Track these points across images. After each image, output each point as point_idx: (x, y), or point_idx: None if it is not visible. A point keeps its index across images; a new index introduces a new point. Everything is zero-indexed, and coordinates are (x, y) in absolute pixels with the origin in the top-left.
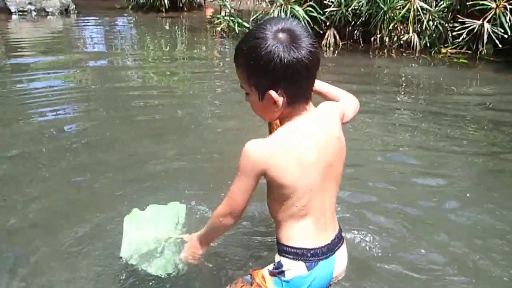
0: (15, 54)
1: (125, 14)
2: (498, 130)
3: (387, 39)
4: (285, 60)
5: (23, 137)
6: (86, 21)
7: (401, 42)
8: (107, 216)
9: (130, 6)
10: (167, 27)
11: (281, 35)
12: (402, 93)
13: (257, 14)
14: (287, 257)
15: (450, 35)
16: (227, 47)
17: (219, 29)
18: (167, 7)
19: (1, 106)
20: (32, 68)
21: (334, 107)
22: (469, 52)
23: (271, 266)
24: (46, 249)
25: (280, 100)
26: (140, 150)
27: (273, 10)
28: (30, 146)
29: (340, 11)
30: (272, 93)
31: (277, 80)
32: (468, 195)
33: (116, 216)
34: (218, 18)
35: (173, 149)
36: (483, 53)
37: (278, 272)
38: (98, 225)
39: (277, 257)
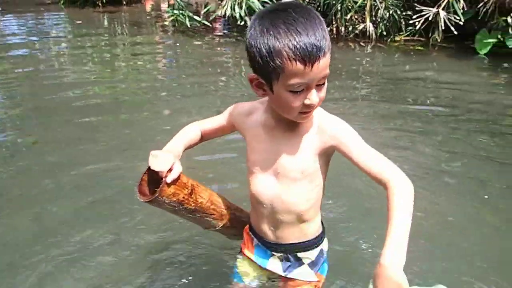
0: None
1: (57, 11)
2: (453, 108)
3: (343, 29)
4: None
5: None
6: (10, 18)
7: (357, 31)
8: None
9: (61, 1)
10: (105, 23)
11: None
12: (360, 82)
13: (209, 8)
14: (324, 238)
15: (403, 23)
16: (177, 43)
17: (167, 23)
18: (104, 1)
19: None
20: None
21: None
22: (422, 39)
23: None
24: None
25: None
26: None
27: (227, 3)
28: None
29: None
30: None
31: None
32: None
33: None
34: (167, 12)
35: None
36: (435, 40)
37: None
38: None
39: (315, 251)
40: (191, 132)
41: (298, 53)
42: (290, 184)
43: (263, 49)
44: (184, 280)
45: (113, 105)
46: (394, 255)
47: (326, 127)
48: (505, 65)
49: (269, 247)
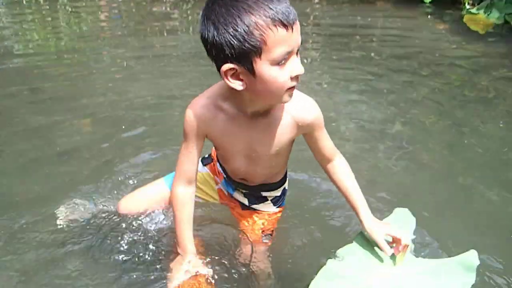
0: None
1: None
2: (399, 55)
3: None
4: None
5: None
6: None
7: None
8: None
9: None
10: None
11: None
12: (309, 34)
13: None
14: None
15: None
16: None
17: None
18: None
19: None
20: None
21: None
22: None
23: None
24: None
25: None
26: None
27: None
28: None
29: None
30: None
31: None
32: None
33: None
34: None
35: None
36: None
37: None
38: None
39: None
40: (187, 205)
41: (277, 18)
42: (265, 161)
43: (238, 28)
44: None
45: (56, 63)
46: (369, 212)
47: (301, 117)
48: (448, 11)
49: (236, 185)
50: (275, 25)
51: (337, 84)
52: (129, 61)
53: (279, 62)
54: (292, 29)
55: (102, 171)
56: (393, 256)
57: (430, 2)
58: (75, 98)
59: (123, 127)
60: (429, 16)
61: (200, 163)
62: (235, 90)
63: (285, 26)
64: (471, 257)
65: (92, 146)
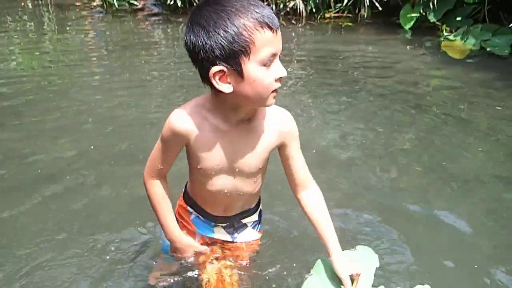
0: None
1: None
2: (380, 80)
3: (274, 7)
4: None
5: None
6: None
7: (288, 9)
8: None
9: None
10: (29, 5)
11: None
12: (293, 59)
13: None
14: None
15: (332, 0)
16: (102, 28)
17: (94, 4)
18: None
19: None
20: None
21: None
22: (351, 15)
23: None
24: None
25: None
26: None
27: None
28: None
29: None
30: None
31: None
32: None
33: None
34: None
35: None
36: (363, 16)
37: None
38: None
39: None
40: (167, 199)
41: (264, 20)
42: (247, 178)
43: (228, 30)
44: None
45: (41, 89)
46: (339, 248)
47: (281, 123)
48: (428, 38)
49: (214, 220)
50: (262, 27)
51: (317, 108)
52: (112, 83)
53: (265, 63)
54: (277, 31)
55: (83, 193)
56: None
57: (409, 29)
58: (57, 120)
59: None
60: (408, 43)
61: None
62: (220, 98)
63: (271, 28)
64: (365, 250)
65: (72, 168)
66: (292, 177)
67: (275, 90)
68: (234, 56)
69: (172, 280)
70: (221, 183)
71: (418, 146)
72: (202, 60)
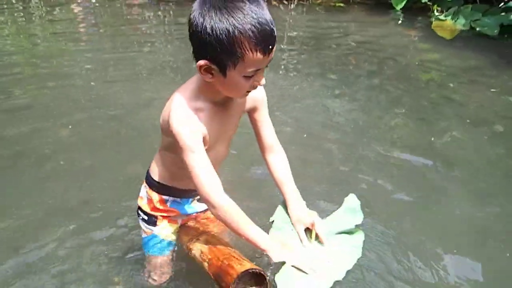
0: None
1: None
2: (371, 60)
3: None
4: None
5: None
6: None
7: None
8: None
9: None
10: None
11: None
12: (285, 39)
13: None
14: None
15: None
16: (92, 8)
17: None
18: None
19: None
20: None
21: None
22: None
23: None
24: None
25: None
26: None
27: None
28: None
29: None
30: None
31: None
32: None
33: None
34: None
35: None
36: None
37: None
38: None
39: None
40: (239, 209)
41: (261, 45)
42: (227, 144)
43: (229, 37)
44: None
45: (30, 67)
46: (300, 202)
47: (253, 94)
48: (419, 18)
49: (191, 195)
50: (256, 50)
51: (309, 88)
52: (106, 66)
53: (248, 76)
54: (269, 55)
55: (82, 178)
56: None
57: (401, 9)
58: (51, 105)
59: (104, 132)
60: (399, 23)
61: (150, 228)
62: (204, 80)
63: (264, 53)
64: (352, 201)
65: (71, 153)
66: (262, 140)
67: (248, 91)
68: (222, 61)
69: (167, 269)
70: (216, 155)
71: (407, 124)
72: (195, 45)
